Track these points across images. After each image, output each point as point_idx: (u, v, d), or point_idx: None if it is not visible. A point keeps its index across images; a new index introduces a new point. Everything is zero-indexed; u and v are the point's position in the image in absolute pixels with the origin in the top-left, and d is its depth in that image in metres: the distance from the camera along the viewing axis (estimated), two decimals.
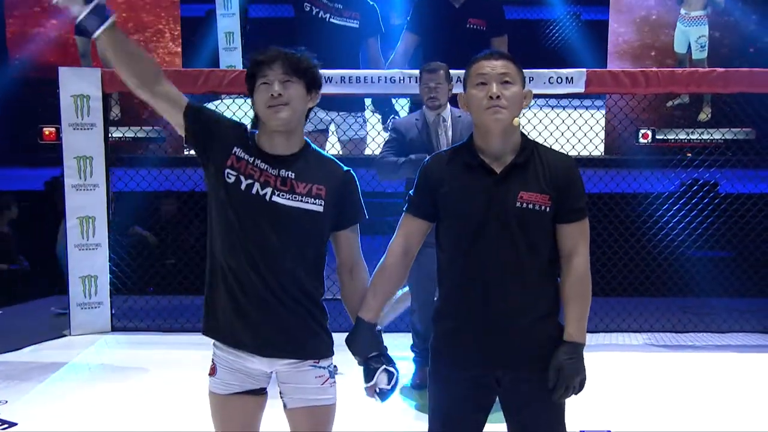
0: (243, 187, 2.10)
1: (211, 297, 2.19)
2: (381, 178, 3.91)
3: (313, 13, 4.57)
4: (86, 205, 5.20)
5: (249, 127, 2.23)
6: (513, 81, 2.13)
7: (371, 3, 4.75)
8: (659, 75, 4.95)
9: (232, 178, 2.11)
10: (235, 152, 2.13)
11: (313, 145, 2.24)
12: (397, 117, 4.60)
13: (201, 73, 5.16)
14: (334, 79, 4.69)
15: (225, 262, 2.12)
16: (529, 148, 2.17)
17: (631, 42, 7.92)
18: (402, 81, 4.79)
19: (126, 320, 5.39)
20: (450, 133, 3.83)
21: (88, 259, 5.22)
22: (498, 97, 2.10)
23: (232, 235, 2.11)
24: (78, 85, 5.16)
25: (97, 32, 2.04)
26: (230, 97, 5.71)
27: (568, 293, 2.13)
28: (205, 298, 2.22)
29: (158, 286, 5.73)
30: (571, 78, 4.81)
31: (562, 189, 2.12)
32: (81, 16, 2.03)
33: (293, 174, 2.13)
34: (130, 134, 7.54)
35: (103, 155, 5.21)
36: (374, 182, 4.25)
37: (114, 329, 5.29)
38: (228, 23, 7.88)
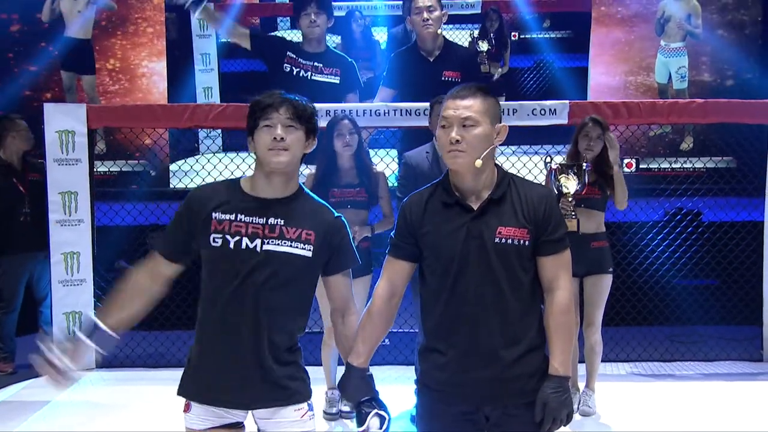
0: (232, 245, 2.14)
1: (195, 355, 2.22)
2: None
3: (294, 72, 4.66)
4: (71, 240, 5.15)
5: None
6: (476, 123, 2.14)
7: (349, 60, 4.84)
8: (640, 106, 5.02)
9: (219, 242, 2.15)
10: (215, 217, 2.17)
11: (306, 190, 2.28)
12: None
13: (186, 108, 5.17)
14: (320, 113, 4.62)
15: (214, 315, 2.16)
16: (505, 182, 2.19)
17: (611, 81, 8.07)
18: (387, 114, 4.83)
19: (111, 356, 5.20)
20: None
21: (73, 295, 5.16)
22: (458, 141, 2.11)
23: (224, 290, 2.14)
24: (63, 121, 5.14)
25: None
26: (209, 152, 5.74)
27: (551, 327, 2.14)
28: (189, 357, 2.27)
29: (144, 321, 5.60)
30: (555, 110, 4.85)
31: (540, 222, 2.14)
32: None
33: (282, 220, 2.16)
34: (115, 168, 7.54)
35: (88, 190, 5.19)
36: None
37: (99, 366, 5.20)
38: (206, 79, 8.08)
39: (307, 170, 4.15)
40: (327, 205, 2.30)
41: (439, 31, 4.50)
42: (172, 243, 2.21)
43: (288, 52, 4.69)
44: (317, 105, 4.52)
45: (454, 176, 2.17)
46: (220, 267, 2.15)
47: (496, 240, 2.10)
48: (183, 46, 8.28)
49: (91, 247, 5.21)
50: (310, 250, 2.17)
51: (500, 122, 2.20)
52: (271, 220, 2.15)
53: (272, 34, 4.98)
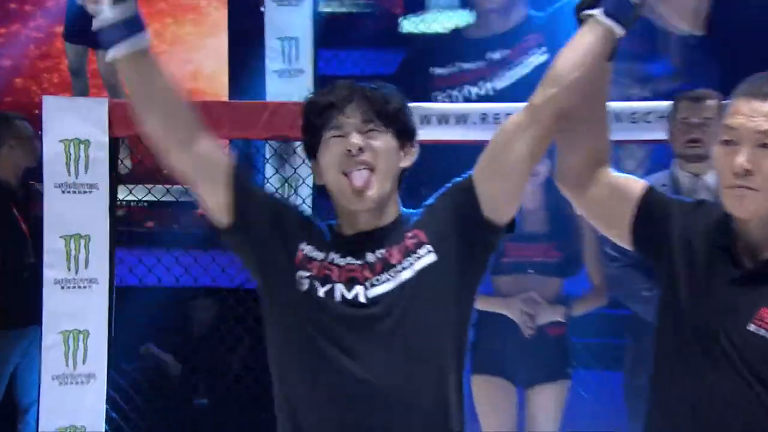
0: (321, 294, 2.05)
1: None
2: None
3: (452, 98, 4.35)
4: (76, 311, 4.40)
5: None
6: None
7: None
8: None
9: (305, 285, 2.06)
10: (303, 249, 2.10)
11: (411, 214, 2.14)
12: None
13: (264, 108, 4.40)
14: (434, 117, 3.87)
15: (302, 402, 2.06)
16: None
17: None
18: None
19: None
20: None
21: (74, 397, 4.42)
22: (748, 171, 1.91)
23: (314, 363, 2.04)
24: (72, 124, 4.45)
25: (120, 51, 1.98)
26: None
27: None
28: None
29: None
30: None
31: None
32: (103, 20, 1.96)
33: (383, 250, 2.06)
34: (150, 198, 6.77)
35: (107, 232, 4.48)
36: None
37: None
38: (287, 21, 6.05)
39: None
40: None
41: None
42: (250, 181, 2.19)
43: (436, 71, 4.33)
44: (479, 105, 4.07)
45: (737, 222, 2.02)
46: (310, 325, 2.03)
47: (750, 327, 1.92)
48: (250, 14, 7.49)
49: (107, 322, 4.49)
50: (430, 250, 2.06)
51: None
52: (369, 257, 2.06)
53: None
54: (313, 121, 2.08)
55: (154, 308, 5.43)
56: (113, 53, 1.95)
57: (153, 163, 6.10)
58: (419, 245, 2.05)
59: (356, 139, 2.01)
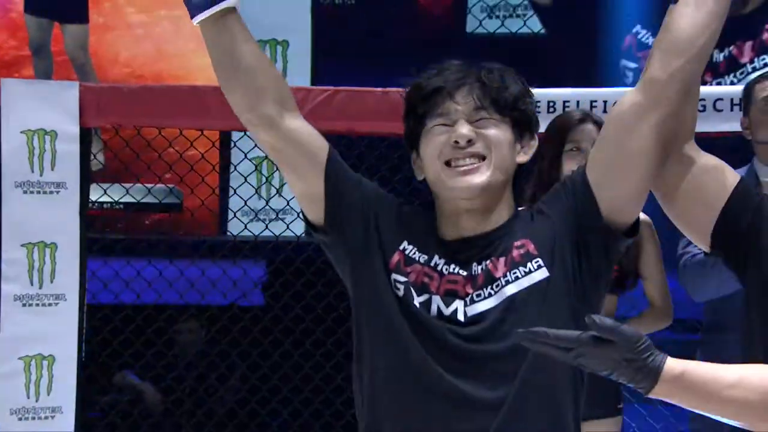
0: (417, 303, 2.03)
1: None
2: (688, 290, 3.86)
3: None
4: (39, 333, 4.33)
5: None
6: None
7: None
8: None
9: (401, 290, 2.04)
10: (405, 249, 2.08)
11: (520, 218, 2.14)
12: None
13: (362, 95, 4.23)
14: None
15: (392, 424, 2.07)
16: None
17: None
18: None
19: None
20: None
21: None
22: None
23: (405, 383, 2.02)
24: (35, 112, 4.42)
25: (206, 13, 2.03)
26: None
27: None
28: None
29: None
30: None
31: None
32: None
33: (488, 261, 2.02)
34: (128, 199, 6.73)
35: (78, 240, 4.43)
36: None
37: None
38: (268, 11, 5.85)
39: None
40: None
41: None
42: (345, 170, 2.10)
43: None
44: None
45: None
46: (398, 339, 2.01)
47: None
48: None
49: (76, 346, 4.45)
50: (540, 264, 1.99)
51: None
52: (475, 268, 2.01)
53: None
54: (416, 108, 2.03)
55: (132, 330, 5.21)
56: (201, 17, 1.97)
57: (130, 157, 5.79)
58: (528, 257, 1.99)
59: (465, 129, 1.95)
